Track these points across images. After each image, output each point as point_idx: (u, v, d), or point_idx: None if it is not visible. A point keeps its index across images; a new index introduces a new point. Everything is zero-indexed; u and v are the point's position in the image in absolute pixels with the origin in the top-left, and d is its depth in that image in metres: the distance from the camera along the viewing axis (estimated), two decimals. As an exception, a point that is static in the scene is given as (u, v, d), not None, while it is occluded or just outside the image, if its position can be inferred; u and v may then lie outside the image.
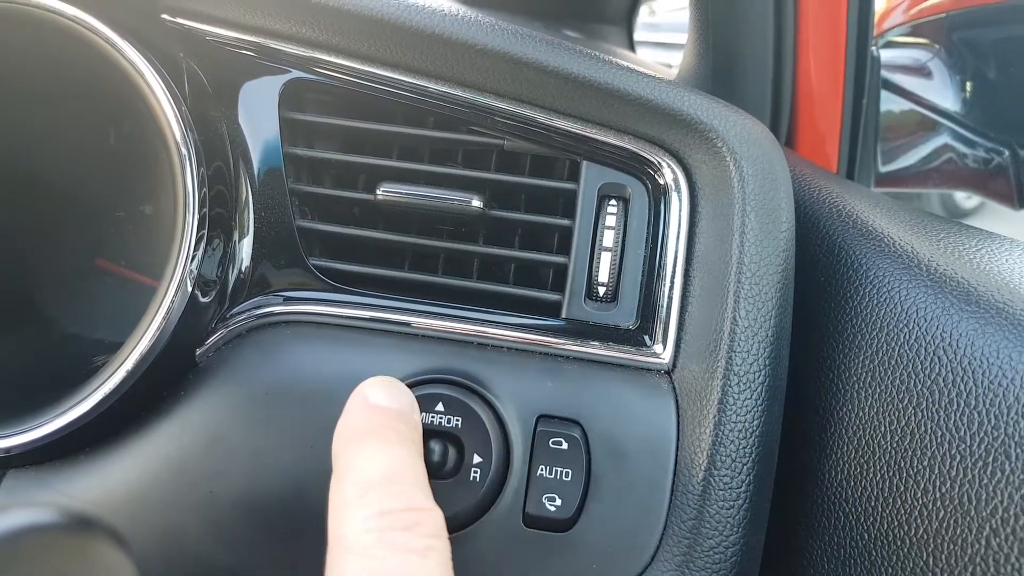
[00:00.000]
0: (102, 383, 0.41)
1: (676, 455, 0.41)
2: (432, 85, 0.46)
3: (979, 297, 0.36)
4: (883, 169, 0.76)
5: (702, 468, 0.40)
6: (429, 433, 0.40)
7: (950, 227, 0.48)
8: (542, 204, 0.48)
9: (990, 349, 0.34)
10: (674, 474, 0.40)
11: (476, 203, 0.45)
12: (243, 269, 0.46)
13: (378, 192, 0.46)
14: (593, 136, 0.46)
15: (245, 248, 0.47)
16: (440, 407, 0.40)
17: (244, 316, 0.46)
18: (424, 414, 0.40)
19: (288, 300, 0.46)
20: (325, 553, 0.41)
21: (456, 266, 0.48)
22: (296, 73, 0.47)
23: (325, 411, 0.42)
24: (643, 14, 1.51)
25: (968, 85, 0.75)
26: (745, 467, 0.39)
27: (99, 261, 0.55)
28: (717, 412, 0.40)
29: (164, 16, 0.46)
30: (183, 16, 0.46)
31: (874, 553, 0.36)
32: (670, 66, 1.00)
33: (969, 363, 0.34)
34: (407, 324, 0.45)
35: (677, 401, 0.42)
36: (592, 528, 0.39)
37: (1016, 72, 0.71)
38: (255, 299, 0.46)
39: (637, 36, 1.30)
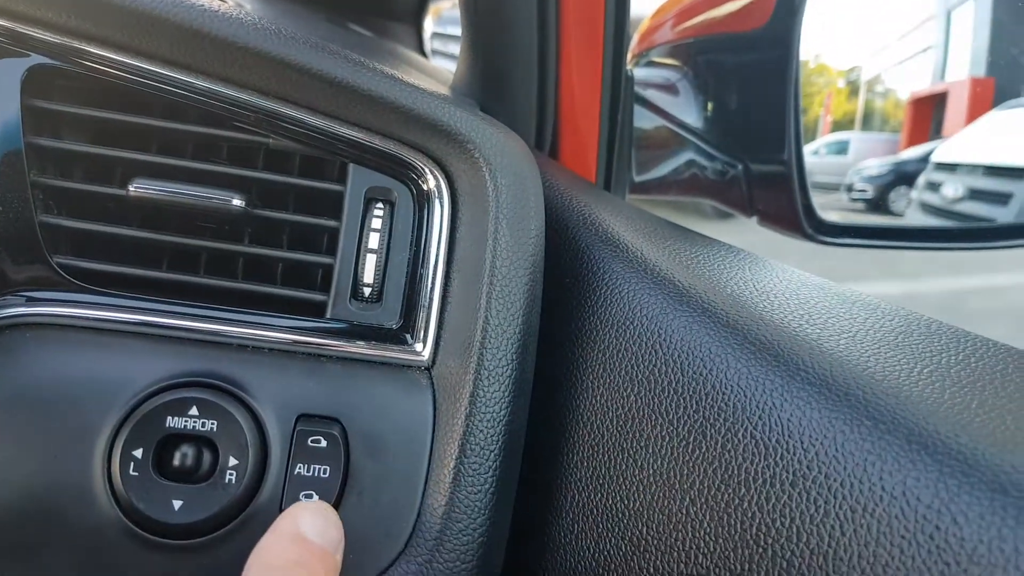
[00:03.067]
0: None
1: (431, 446, 0.43)
2: (196, 80, 0.45)
3: (690, 297, 0.41)
4: (637, 179, 0.84)
5: (454, 457, 0.42)
6: (182, 438, 0.40)
7: (679, 233, 0.54)
8: (312, 205, 0.48)
9: (695, 343, 0.39)
10: (429, 464, 0.43)
11: (237, 202, 0.45)
12: None
13: (130, 188, 0.44)
14: (359, 139, 0.47)
15: None
16: (194, 411, 0.40)
17: (-22, 319, 0.42)
18: (176, 418, 0.40)
19: (31, 301, 0.43)
20: (68, 565, 0.39)
21: (223, 266, 0.48)
22: (41, 58, 0.44)
23: (70, 419, 0.40)
24: (437, 23, 1.54)
25: (709, 105, 0.84)
26: (492, 454, 0.43)
27: None
28: (468, 404, 0.43)
29: None
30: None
31: (601, 526, 0.41)
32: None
33: (678, 355, 0.39)
34: (162, 326, 0.43)
35: (435, 396, 0.44)
36: (349, 520, 0.40)
37: (746, 96, 0.81)
38: None
39: (435, 46, 1.33)
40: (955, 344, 0.37)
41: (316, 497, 0.41)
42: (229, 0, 0.62)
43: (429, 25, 1.43)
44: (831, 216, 0.81)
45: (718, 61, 0.84)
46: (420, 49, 1.38)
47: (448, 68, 1.15)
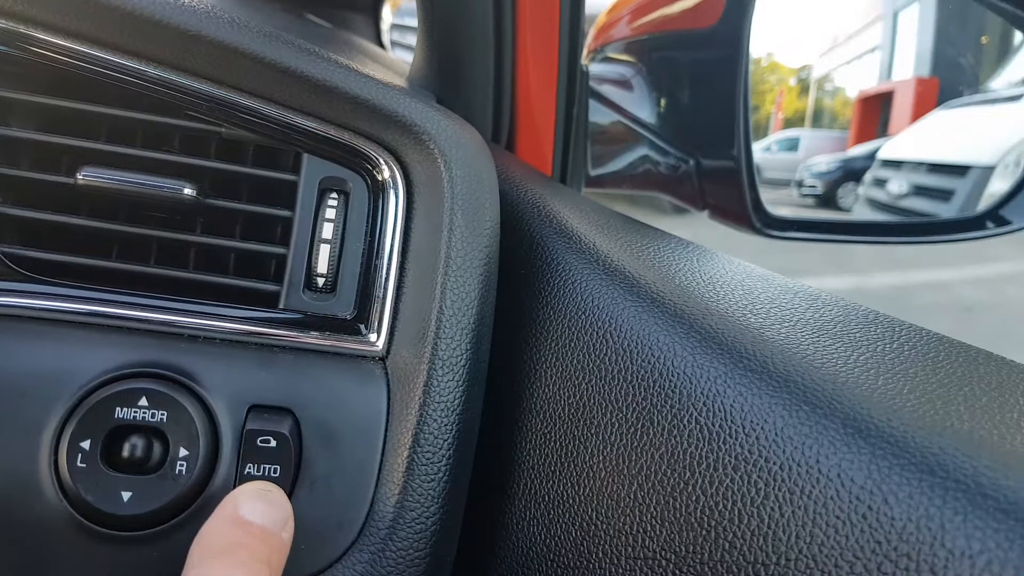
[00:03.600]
0: None
1: (385, 436, 0.43)
2: (148, 68, 0.44)
3: (640, 288, 0.42)
4: (593, 173, 0.85)
5: (407, 447, 0.43)
6: (131, 429, 0.40)
7: (631, 226, 0.55)
8: (265, 194, 0.48)
9: (644, 332, 0.40)
10: (382, 454, 0.43)
11: (188, 191, 0.45)
12: None
13: (78, 176, 0.44)
14: (313, 129, 0.47)
15: None
16: (143, 402, 0.40)
17: (-81, 309, 0.41)
18: (125, 409, 0.39)
19: None
20: (14, 558, 0.39)
21: (174, 256, 0.47)
22: None
23: (15, 411, 0.40)
24: (396, 14, 1.53)
25: (662, 101, 0.85)
26: (446, 443, 0.43)
27: None
28: (423, 394, 0.43)
29: None
30: None
31: (552, 512, 0.42)
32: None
33: (628, 344, 0.40)
34: (111, 316, 0.43)
35: (389, 386, 0.45)
36: (301, 510, 0.41)
37: (697, 93, 0.82)
38: None
39: (394, 37, 1.32)
40: (890, 333, 0.39)
41: None
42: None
43: (388, 16, 1.43)
44: (780, 211, 0.83)
45: (671, 58, 0.85)
46: (378, 40, 1.37)
47: (407, 60, 1.15)
